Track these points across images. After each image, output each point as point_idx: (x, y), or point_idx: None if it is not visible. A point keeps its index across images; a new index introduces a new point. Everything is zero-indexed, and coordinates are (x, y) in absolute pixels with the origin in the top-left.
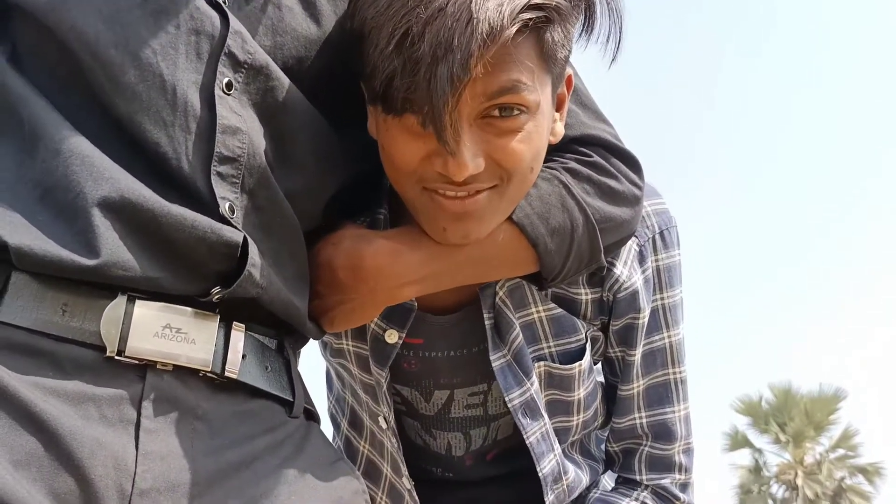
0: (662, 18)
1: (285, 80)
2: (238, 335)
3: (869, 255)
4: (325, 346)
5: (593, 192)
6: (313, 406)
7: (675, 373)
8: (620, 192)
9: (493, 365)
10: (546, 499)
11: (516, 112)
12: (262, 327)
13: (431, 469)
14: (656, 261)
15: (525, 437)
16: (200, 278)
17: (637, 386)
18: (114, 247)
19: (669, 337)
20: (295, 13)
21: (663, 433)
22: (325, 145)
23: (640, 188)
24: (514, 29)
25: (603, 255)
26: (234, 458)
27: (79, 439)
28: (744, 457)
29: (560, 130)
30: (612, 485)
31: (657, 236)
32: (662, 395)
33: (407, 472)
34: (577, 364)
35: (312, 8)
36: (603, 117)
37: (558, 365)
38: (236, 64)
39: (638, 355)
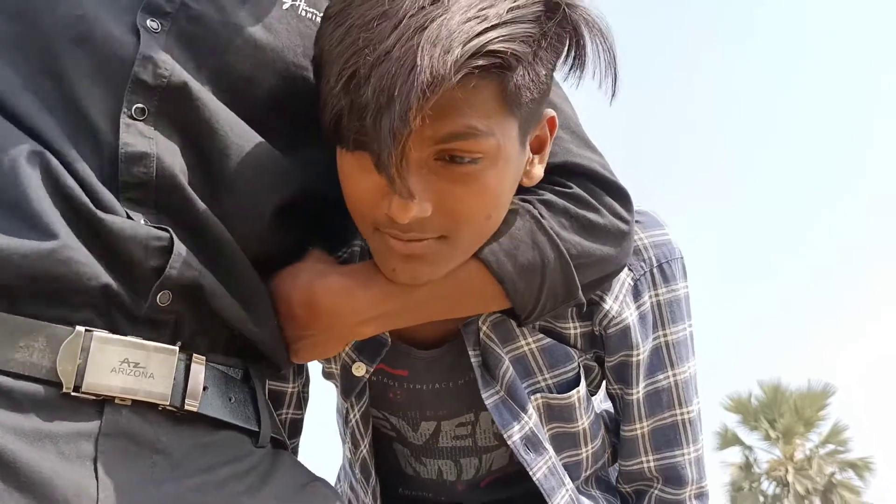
0: (644, 16)
1: (211, 101)
2: (199, 367)
3: (858, 253)
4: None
5: (569, 227)
6: (282, 435)
7: (682, 413)
8: (601, 225)
9: (487, 403)
10: None
11: (468, 160)
12: (225, 357)
13: (424, 496)
14: (656, 295)
15: (531, 474)
16: (140, 278)
17: (641, 427)
18: (66, 234)
19: (675, 375)
20: (245, 34)
21: (673, 477)
22: (259, 165)
23: (626, 222)
24: (460, 76)
25: (581, 292)
26: (195, 483)
27: (37, 470)
28: (734, 454)
29: (538, 174)
30: None
31: (655, 270)
32: (670, 437)
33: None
34: (574, 392)
35: (269, 28)
36: (591, 145)
37: (556, 395)
38: (146, 89)
39: (639, 395)
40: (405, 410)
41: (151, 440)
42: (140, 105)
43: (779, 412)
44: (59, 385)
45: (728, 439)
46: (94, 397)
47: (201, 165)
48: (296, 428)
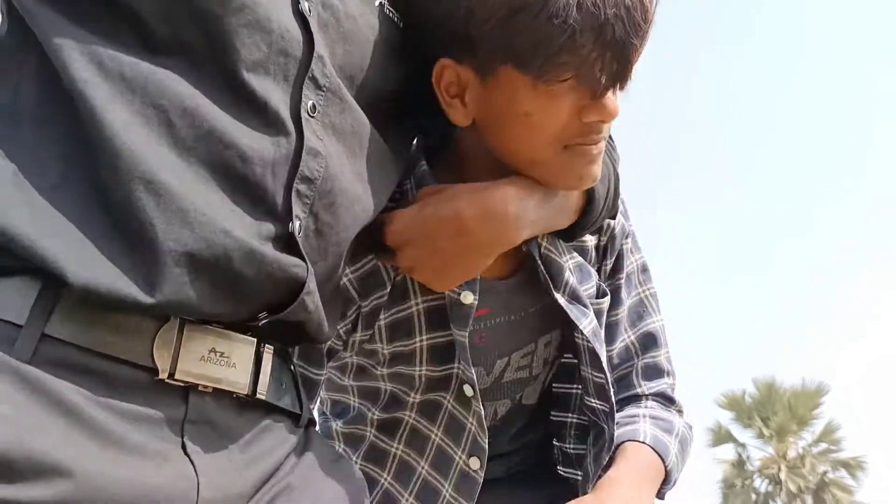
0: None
1: (353, 102)
2: (268, 357)
3: (854, 251)
4: (351, 345)
5: (613, 146)
6: (312, 414)
7: (645, 290)
8: (615, 147)
9: (560, 301)
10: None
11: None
12: (279, 344)
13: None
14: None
15: (602, 362)
16: (255, 307)
17: (622, 309)
18: (176, 286)
19: (638, 259)
20: (359, 24)
21: (650, 342)
22: (383, 163)
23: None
24: None
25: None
26: (262, 470)
27: (143, 452)
28: (727, 451)
29: None
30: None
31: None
32: (640, 311)
33: (486, 443)
34: (605, 299)
35: (372, 21)
36: None
37: (595, 300)
38: (318, 87)
39: (621, 280)
40: (486, 355)
41: (228, 426)
42: (312, 102)
43: (772, 410)
44: (153, 371)
45: (721, 436)
46: (182, 384)
47: (348, 171)
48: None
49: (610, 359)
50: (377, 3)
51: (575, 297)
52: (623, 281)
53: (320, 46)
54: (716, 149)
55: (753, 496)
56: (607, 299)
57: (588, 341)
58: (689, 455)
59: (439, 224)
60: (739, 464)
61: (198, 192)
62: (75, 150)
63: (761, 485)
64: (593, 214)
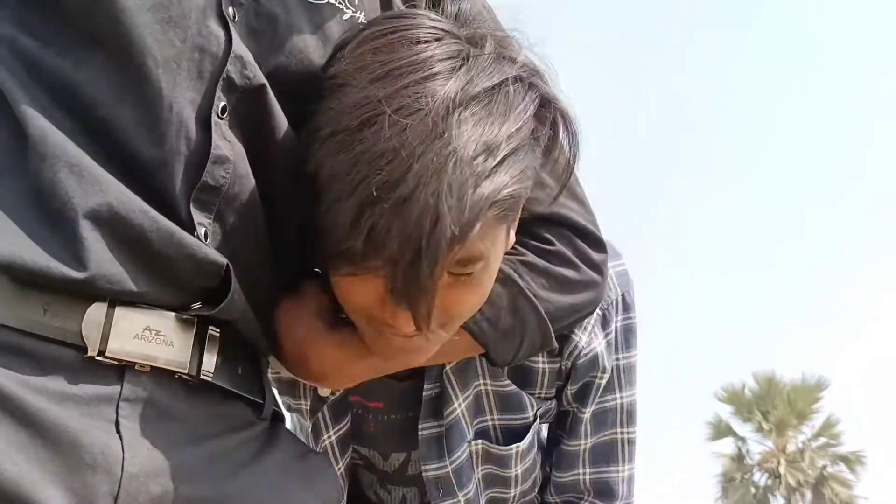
0: (639, 12)
1: (276, 107)
2: (215, 339)
3: (854, 245)
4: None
5: (549, 286)
6: (279, 407)
7: (623, 433)
8: (577, 281)
9: (420, 434)
10: None
11: (472, 271)
12: (235, 331)
13: None
14: (618, 322)
15: None
16: (184, 293)
17: (585, 443)
18: (102, 260)
19: (622, 397)
20: (304, 36)
21: (605, 491)
22: (301, 178)
23: (601, 272)
24: (479, 227)
25: (554, 340)
26: (210, 450)
27: (63, 428)
28: (727, 445)
29: (512, 240)
30: None
31: (619, 299)
32: (609, 453)
33: None
34: (514, 446)
35: (324, 36)
36: (576, 193)
37: (496, 446)
38: (232, 89)
39: (588, 413)
40: (378, 442)
41: (169, 406)
42: (224, 104)
43: (772, 404)
44: (83, 349)
45: (721, 430)
46: (115, 362)
47: (255, 174)
48: None
49: (558, 484)
50: (345, 18)
51: (448, 435)
52: (588, 416)
53: (239, 47)
54: (718, 144)
55: (753, 490)
56: (515, 448)
57: (430, 487)
58: None
59: (277, 341)
60: (739, 458)
61: (114, 176)
62: (7, 142)
63: (760, 479)
64: (502, 358)
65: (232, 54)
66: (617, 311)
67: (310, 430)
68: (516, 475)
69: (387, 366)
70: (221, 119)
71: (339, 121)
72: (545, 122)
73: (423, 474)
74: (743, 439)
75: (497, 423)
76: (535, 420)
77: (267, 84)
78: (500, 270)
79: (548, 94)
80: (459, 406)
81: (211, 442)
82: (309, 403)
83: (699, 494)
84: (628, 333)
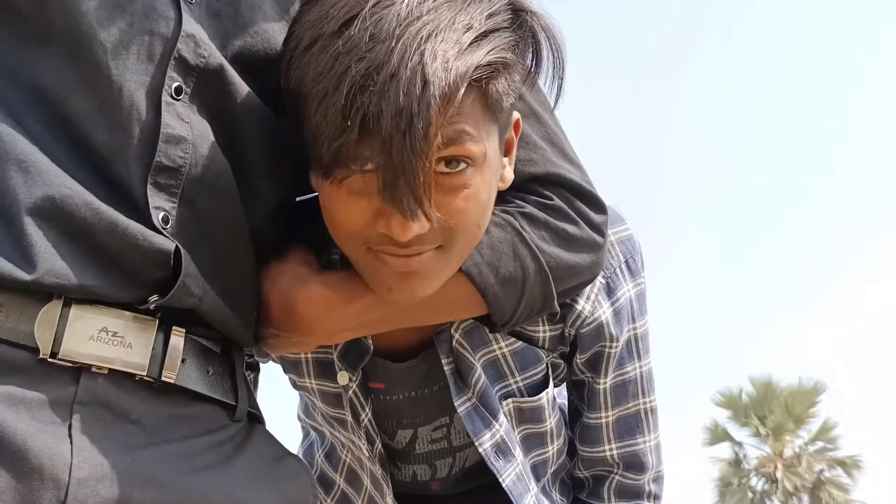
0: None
1: (241, 86)
2: (178, 339)
3: (852, 249)
4: (291, 381)
5: (549, 239)
6: (258, 409)
7: (645, 402)
8: (579, 237)
9: (459, 410)
10: None
11: (462, 166)
12: (205, 330)
13: (396, 492)
14: (629, 290)
15: (501, 480)
16: (136, 286)
17: (606, 416)
18: (48, 256)
19: (640, 367)
20: (267, 14)
21: (635, 463)
22: (278, 153)
23: (602, 233)
24: (464, 88)
25: (556, 302)
26: (171, 451)
27: (10, 433)
28: (724, 450)
29: (509, 176)
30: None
31: (623, 266)
32: (633, 425)
33: (392, 494)
34: (543, 394)
35: (284, 12)
36: (571, 157)
37: (526, 398)
38: (187, 68)
39: (607, 384)
40: (382, 420)
41: (127, 410)
42: (178, 84)
43: (769, 409)
44: (35, 350)
45: (718, 435)
46: (70, 364)
47: (225, 153)
48: None
49: (586, 459)
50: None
51: (483, 401)
52: (605, 387)
53: (190, 25)
54: (717, 143)
55: (750, 495)
56: (544, 395)
57: (489, 457)
58: None
59: (262, 302)
60: (736, 462)
61: (67, 170)
62: None
63: (758, 483)
64: (501, 312)
65: (182, 33)
66: (624, 279)
67: (327, 407)
68: (551, 429)
69: (381, 311)
70: (177, 99)
71: (320, 27)
72: (526, 31)
73: (479, 448)
74: (740, 444)
75: (521, 384)
76: (547, 369)
77: (226, 63)
78: (500, 217)
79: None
80: (480, 372)
81: (172, 444)
82: (314, 382)
83: (696, 499)
84: (641, 299)
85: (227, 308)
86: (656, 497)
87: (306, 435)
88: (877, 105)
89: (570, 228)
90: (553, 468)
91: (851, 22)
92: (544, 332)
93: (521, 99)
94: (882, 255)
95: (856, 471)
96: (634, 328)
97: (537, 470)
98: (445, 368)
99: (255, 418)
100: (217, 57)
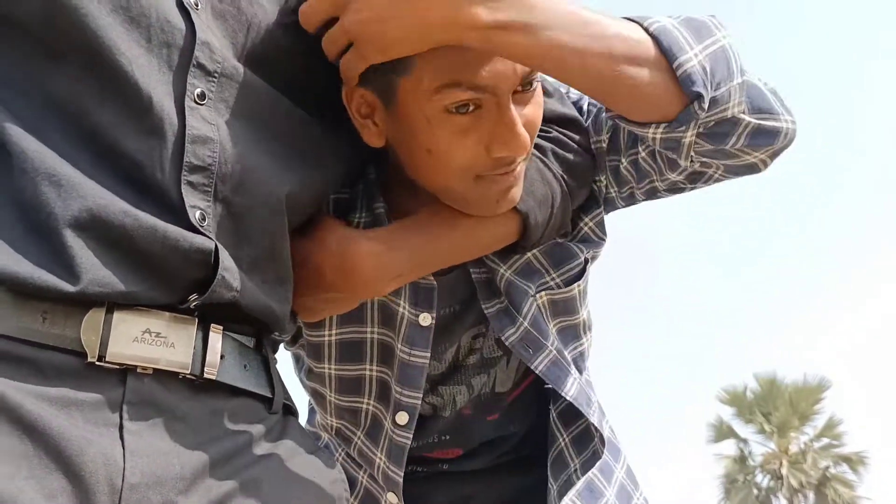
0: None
1: (259, 83)
2: (216, 337)
3: (854, 244)
4: (306, 370)
5: (559, 164)
6: (292, 401)
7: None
8: (579, 163)
9: (487, 313)
10: (598, 426)
11: (535, 82)
12: (239, 326)
13: (429, 456)
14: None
15: (534, 368)
16: (177, 287)
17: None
18: (91, 266)
19: None
20: (267, 11)
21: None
22: (312, 143)
23: (589, 151)
24: None
25: (569, 222)
26: (215, 452)
27: (67, 438)
28: (729, 447)
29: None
30: None
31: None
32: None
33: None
34: (574, 285)
35: (289, 8)
36: (547, 89)
37: (558, 290)
38: (207, 74)
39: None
40: (435, 344)
41: (172, 407)
42: (200, 90)
43: (774, 405)
44: (83, 355)
45: (723, 432)
46: (117, 366)
47: (255, 151)
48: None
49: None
50: None
51: (535, 326)
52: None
53: (204, 33)
54: None
55: (755, 491)
56: (576, 286)
57: (516, 349)
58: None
59: (300, 268)
60: (741, 459)
61: (97, 180)
62: None
63: (763, 480)
64: (535, 235)
65: (198, 42)
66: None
67: (340, 397)
68: (584, 320)
69: (426, 254)
70: (201, 104)
71: None
72: None
73: (508, 343)
74: (745, 441)
75: (558, 279)
76: (585, 263)
77: (240, 65)
78: None
79: None
80: (508, 272)
81: (218, 443)
82: (333, 366)
83: (702, 496)
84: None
85: (267, 298)
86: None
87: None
88: (877, 105)
89: (570, 157)
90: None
91: (860, 17)
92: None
93: None
94: (890, 255)
95: (861, 467)
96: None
97: (577, 363)
98: (473, 276)
99: (290, 410)
100: (231, 60)
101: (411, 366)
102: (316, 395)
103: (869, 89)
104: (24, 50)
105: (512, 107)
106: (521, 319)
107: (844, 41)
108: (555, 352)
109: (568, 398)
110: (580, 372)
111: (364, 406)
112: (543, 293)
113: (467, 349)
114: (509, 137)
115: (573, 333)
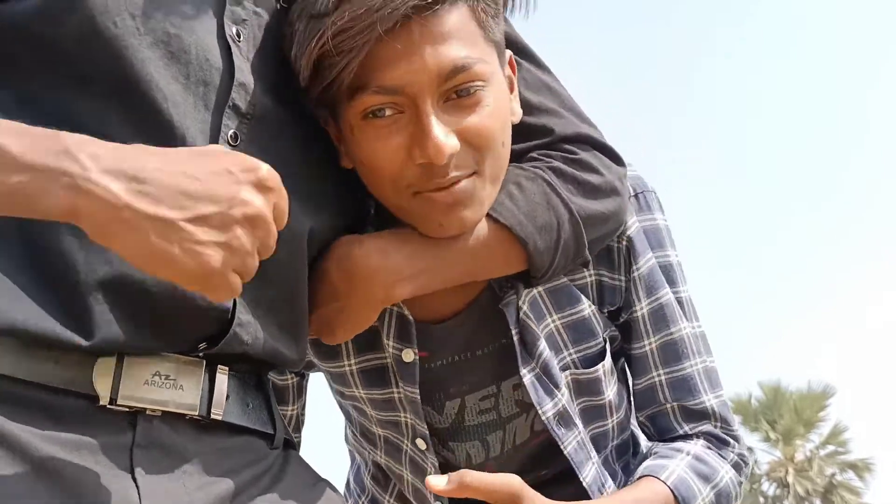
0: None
1: (288, 124)
2: (222, 378)
3: (860, 250)
4: (337, 392)
5: (576, 191)
6: (291, 436)
7: (687, 328)
8: (602, 186)
9: (524, 380)
10: None
11: (474, 89)
12: (244, 366)
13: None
14: (638, 222)
15: (563, 447)
16: (189, 339)
17: (649, 343)
18: (105, 324)
19: (676, 293)
20: (276, 36)
21: (685, 388)
22: (333, 182)
23: (623, 183)
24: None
25: (587, 250)
26: (223, 490)
27: (83, 482)
28: None
29: (518, 111)
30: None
31: (632, 198)
32: (678, 351)
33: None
34: (599, 366)
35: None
36: (588, 119)
37: (583, 370)
38: (240, 115)
39: (644, 311)
40: (430, 394)
41: (181, 449)
42: (233, 131)
43: (779, 413)
44: (94, 398)
45: None
46: (127, 409)
47: (290, 188)
48: (298, 423)
49: (639, 394)
50: None
51: (546, 371)
52: (643, 313)
53: (242, 73)
54: (717, 142)
55: (762, 500)
56: (600, 367)
57: (551, 425)
58: None
59: (314, 282)
60: None
61: None
62: None
63: (769, 488)
64: (541, 262)
65: (235, 83)
66: (633, 211)
67: (378, 413)
68: (610, 401)
69: (429, 258)
70: (234, 146)
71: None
72: None
73: (543, 417)
74: (750, 449)
75: (575, 356)
76: (605, 343)
77: (272, 104)
78: (531, 171)
79: None
80: (543, 343)
81: (225, 481)
82: (362, 391)
83: None
84: (657, 233)
85: (276, 342)
86: (725, 420)
87: (353, 459)
88: (879, 107)
89: (593, 179)
90: (615, 442)
91: (863, 22)
92: (589, 275)
93: (530, 72)
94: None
95: (867, 474)
96: (649, 258)
97: (597, 442)
98: (514, 338)
99: (289, 444)
100: (264, 99)
101: (411, 401)
102: (356, 409)
103: (878, 94)
104: (52, 75)
105: (430, 110)
106: (559, 395)
107: (847, 43)
108: (581, 434)
109: (585, 483)
110: (599, 451)
111: (403, 419)
112: (569, 373)
113: (475, 410)
114: (424, 141)
115: (597, 413)
